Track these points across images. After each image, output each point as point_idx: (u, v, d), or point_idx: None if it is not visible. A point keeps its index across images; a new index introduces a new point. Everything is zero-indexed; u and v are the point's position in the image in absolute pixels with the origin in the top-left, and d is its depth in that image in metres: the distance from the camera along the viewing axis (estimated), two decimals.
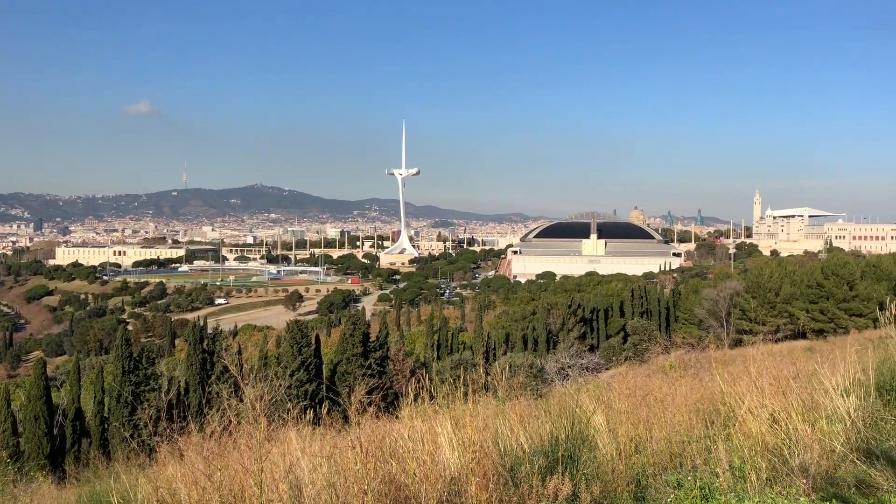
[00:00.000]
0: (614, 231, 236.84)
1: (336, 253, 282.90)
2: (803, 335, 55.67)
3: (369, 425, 5.98)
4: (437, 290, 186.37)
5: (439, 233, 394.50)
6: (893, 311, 17.26)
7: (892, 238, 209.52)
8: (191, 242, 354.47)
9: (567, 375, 33.83)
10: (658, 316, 71.04)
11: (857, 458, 6.02)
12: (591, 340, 65.71)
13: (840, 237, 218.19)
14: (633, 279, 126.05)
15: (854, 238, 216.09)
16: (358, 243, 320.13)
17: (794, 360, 11.78)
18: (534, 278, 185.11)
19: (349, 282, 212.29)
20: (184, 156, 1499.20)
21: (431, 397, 7.48)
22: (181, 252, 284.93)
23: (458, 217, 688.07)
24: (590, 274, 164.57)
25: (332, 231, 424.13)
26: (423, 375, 8.03)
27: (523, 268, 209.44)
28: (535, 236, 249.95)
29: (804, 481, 5.52)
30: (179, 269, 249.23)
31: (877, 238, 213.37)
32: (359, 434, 5.23)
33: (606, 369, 38.51)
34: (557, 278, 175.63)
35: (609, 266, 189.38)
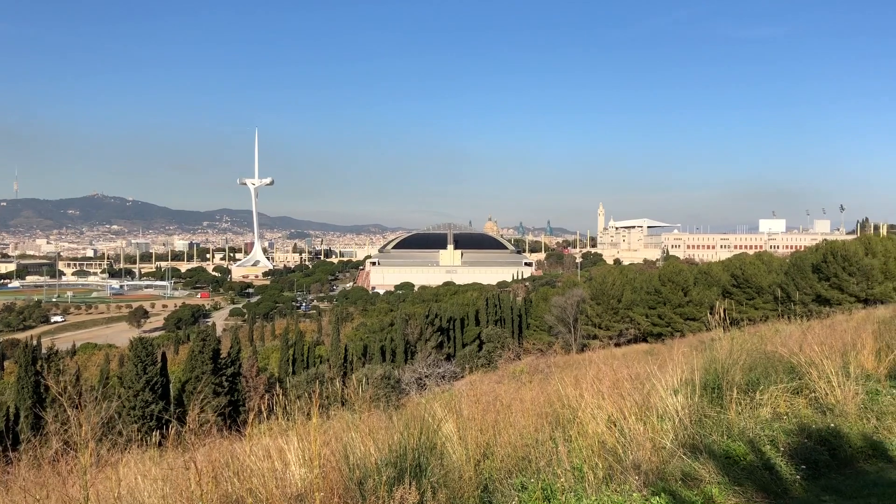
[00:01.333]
0: (470, 242, 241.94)
1: (184, 266, 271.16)
2: (644, 339, 59.10)
3: (215, 444, 5.76)
4: (293, 303, 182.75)
5: (295, 244, 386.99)
6: (721, 315, 18.67)
7: (721, 247, 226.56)
8: (22, 256, 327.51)
9: (424, 385, 34.12)
10: (511, 323, 73.12)
11: (684, 454, 6.45)
12: (448, 349, 66.62)
13: (676, 246, 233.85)
14: (488, 288, 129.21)
15: (688, 247, 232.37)
16: (208, 256, 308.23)
17: (633, 362, 12.47)
18: (392, 289, 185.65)
19: (198, 296, 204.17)
20: (13, 163, 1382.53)
21: (285, 413, 7.32)
22: (11, 267, 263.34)
23: (315, 228, 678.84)
24: (447, 284, 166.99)
25: (179, 243, 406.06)
26: (276, 391, 7.82)
27: (382, 279, 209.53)
28: (394, 247, 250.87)
29: (637, 478, 5.85)
30: (9, 286, 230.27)
31: (708, 247, 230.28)
32: (193, 454, 5.01)
33: (462, 377, 39.18)
34: (416, 289, 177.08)
35: (465, 276, 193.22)
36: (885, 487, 5.62)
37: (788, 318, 32.39)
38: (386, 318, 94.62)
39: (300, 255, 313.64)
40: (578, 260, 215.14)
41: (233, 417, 30.65)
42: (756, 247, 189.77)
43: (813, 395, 8.93)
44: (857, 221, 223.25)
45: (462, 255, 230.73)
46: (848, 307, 49.69)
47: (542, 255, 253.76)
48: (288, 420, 7.26)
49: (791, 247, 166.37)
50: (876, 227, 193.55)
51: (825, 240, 74.23)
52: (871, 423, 8.11)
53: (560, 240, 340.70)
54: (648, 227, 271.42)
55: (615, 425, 6.88)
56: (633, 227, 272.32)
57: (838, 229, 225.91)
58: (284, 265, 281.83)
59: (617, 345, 55.97)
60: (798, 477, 6.17)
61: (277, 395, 7.48)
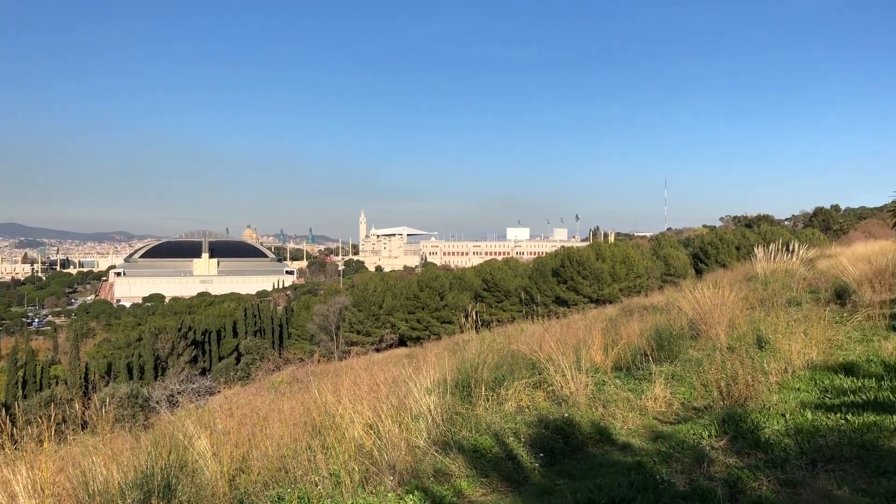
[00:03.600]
0: (227, 250, 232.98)
1: None
2: (404, 343, 60.79)
3: None
4: (24, 319, 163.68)
5: (25, 254, 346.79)
6: (473, 317, 19.67)
7: (474, 253, 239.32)
8: None
9: (177, 402, 32.28)
10: (272, 334, 71.61)
11: (437, 451, 6.76)
12: (203, 363, 63.65)
13: (433, 253, 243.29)
14: (247, 298, 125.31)
15: (445, 254, 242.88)
16: None
17: (392, 367, 12.76)
18: (140, 301, 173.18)
19: None
20: None
21: (13, 441, 6.61)
22: None
23: (50, 236, 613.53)
24: (202, 294, 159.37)
25: None
26: (2, 418, 7.00)
27: (128, 290, 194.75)
28: (142, 256, 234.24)
29: (392, 478, 6.02)
30: None
31: (462, 254, 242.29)
32: None
33: (219, 392, 37.61)
34: (167, 300, 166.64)
35: (222, 286, 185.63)
36: (609, 468, 6.30)
37: (532, 318, 35.11)
38: (133, 333, 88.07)
39: (31, 265, 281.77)
40: (341, 267, 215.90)
41: None
42: (504, 253, 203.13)
43: (551, 388, 9.77)
44: (590, 230, 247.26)
45: (219, 263, 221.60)
46: (582, 307, 54.81)
47: (304, 264, 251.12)
48: (17, 449, 6.56)
49: (534, 253, 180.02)
50: (605, 235, 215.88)
51: (563, 246, 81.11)
52: (598, 411, 9.05)
53: (322, 248, 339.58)
54: (408, 234, 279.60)
55: (372, 429, 7.02)
56: (394, 234, 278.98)
57: (574, 237, 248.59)
58: (12, 277, 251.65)
59: (378, 350, 57.00)
60: (537, 465, 6.72)
61: (3, 423, 6.73)
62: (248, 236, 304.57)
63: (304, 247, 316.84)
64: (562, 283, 60.99)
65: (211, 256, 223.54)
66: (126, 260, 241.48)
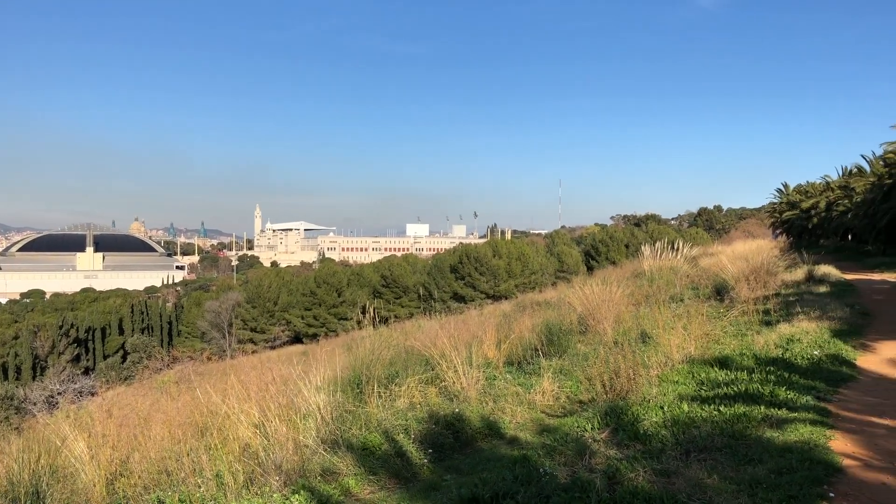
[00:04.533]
0: (114, 244, 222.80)
1: None
2: (300, 340, 59.92)
3: None
4: None
5: None
6: (371, 314, 19.52)
7: (373, 249, 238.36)
8: None
9: (56, 404, 30.70)
10: (160, 331, 69.11)
11: (325, 450, 6.69)
12: (86, 362, 60.74)
13: (332, 249, 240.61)
14: (135, 294, 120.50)
15: (343, 249, 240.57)
16: None
17: (286, 365, 12.53)
18: (18, 297, 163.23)
19: None
20: None
21: None
22: None
23: None
24: (86, 290, 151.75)
25: None
26: None
27: (4, 286, 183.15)
28: (19, 250, 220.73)
29: (278, 478, 5.92)
30: None
31: (361, 249, 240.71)
32: None
33: (102, 392, 35.99)
34: (48, 296, 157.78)
35: (108, 281, 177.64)
36: (496, 462, 6.40)
37: (430, 314, 35.33)
38: (9, 331, 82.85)
39: None
40: (235, 263, 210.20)
41: None
42: (404, 249, 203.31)
43: (443, 384, 9.85)
44: (489, 227, 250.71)
45: (104, 258, 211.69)
46: (480, 303, 55.57)
47: (195, 259, 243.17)
48: None
49: (433, 249, 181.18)
50: (503, 233, 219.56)
51: (461, 243, 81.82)
52: (489, 405, 9.19)
53: (215, 242, 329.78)
54: (305, 229, 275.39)
55: (259, 428, 6.88)
56: (291, 229, 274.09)
57: (473, 233, 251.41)
58: None
59: (273, 348, 55.92)
60: (426, 461, 6.76)
61: None
62: (136, 230, 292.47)
63: (196, 241, 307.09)
64: (460, 279, 61.66)
65: (96, 250, 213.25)
66: (2, 254, 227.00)
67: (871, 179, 43.67)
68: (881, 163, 42.87)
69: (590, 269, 62.84)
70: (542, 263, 68.74)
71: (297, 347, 50.66)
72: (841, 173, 57.83)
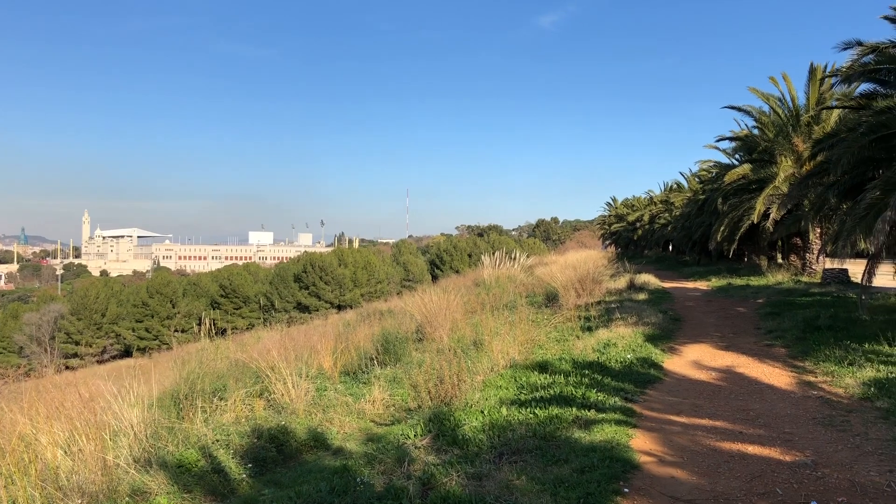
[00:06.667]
0: None
1: None
2: (131, 354, 56.63)
3: None
4: None
5: None
6: (208, 325, 18.80)
7: (213, 258, 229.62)
8: None
9: None
10: None
11: (137, 469, 6.39)
12: None
13: (167, 257, 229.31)
14: None
15: (180, 258, 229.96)
16: None
17: (108, 380, 11.82)
18: None
19: None
20: None
21: None
22: None
23: None
24: None
25: None
26: None
27: None
28: None
29: (79, 501, 5.59)
30: None
31: (200, 258, 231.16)
32: None
33: None
34: None
35: None
36: (318, 473, 6.37)
37: (272, 325, 34.56)
38: None
39: None
40: (59, 272, 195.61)
41: None
42: (246, 258, 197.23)
43: (272, 396, 9.68)
44: (336, 235, 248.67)
45: None
46: (324, 312, 54.97)
47: (14, 267, 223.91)
48: None
49: (278, 258, 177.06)
50: (350, 241, 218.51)
51: (306, 252, 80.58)
52: (317, 417, 9.13)
53: (38, 249, 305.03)
54: (139, 237, 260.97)
55: (64, 450, 6.46)
56: (123, 236, 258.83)
57: (319, 242, 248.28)
58: None
59: (101, 362, 52.51)
60: (245, 475, 6.62)
61: None
62: None
63: (15, 248, 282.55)
64: (304, 288, 60.75)
65: None
66: None
67: (688, 195, 47.52)
68: (696, 179, 46.77)
69: (434, 277, 63.92)
70: (389, 272, 69.14)
71: (128, 362, 47.78)
72: (663, 188, 62.48)
